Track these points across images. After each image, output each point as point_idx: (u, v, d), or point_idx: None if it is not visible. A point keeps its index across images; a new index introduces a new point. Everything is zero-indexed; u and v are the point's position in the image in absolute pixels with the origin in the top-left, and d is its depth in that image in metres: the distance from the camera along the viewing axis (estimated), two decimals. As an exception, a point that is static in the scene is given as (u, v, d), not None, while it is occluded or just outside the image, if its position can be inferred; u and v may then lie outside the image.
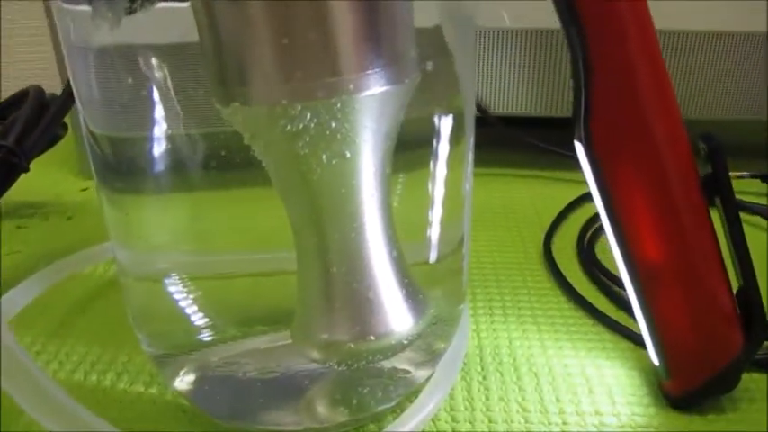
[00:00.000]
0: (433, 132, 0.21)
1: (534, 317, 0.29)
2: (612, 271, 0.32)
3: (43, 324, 0.29)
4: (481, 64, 0.43)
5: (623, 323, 0.28)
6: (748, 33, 0.41)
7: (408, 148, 0.19)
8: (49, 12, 0.41)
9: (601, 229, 0.36)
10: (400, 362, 0.23)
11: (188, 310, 0.22)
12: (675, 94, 0.20)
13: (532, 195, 0.43)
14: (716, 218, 0.21)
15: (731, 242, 0.21)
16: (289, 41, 0.14)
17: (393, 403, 0.23)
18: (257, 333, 0.23)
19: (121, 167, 0.20)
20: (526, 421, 0.23)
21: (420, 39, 0.17)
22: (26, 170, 0.35)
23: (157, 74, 0.19)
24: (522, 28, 0.42)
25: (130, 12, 0.17)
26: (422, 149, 0.21)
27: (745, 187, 0.38)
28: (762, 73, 0.42)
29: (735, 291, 0.22)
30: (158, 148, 0.20)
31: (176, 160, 0.20)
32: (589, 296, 0.30)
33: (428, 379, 0.23)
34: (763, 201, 0.39)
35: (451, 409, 0.23)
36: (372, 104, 0.16)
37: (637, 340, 0.27)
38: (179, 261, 0.22)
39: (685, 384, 0.23)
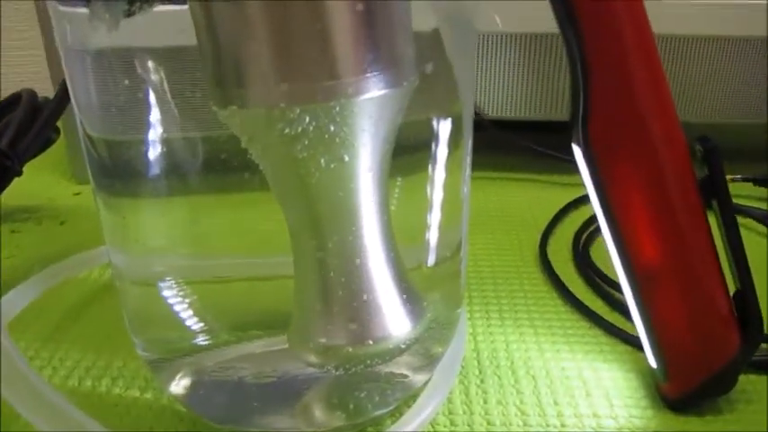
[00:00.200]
0: (432, 136, 0.21)
1: (531, 320, 0.29)
2: (608, 273, 0.32)
3: (37, 329, 0.29)
4: (475, 68, 0.43)
5: (619, 326, 0.28)
6: (747, 38, 0.41)
7: (407, 152, 0.19)
8: (42, 15, 0.41)
9: (596, 231, 0.36)
10: (398, 366, 0.23)
11: (184, 315, 0.22)
12: (672, 95, 0.20)
13: (528, 199, 0.43)
14: (712, 220, 0.21)
15: (728, 244, 0.21)
16: (287, 43, 0.14)
17: (390, 408, 0.23)
18: (253, 337, 0.22)
19: (118, 171, 0.20)
20: (524, 424, 0.23)
21: (418, 42, 0.17)
22: (19, 174, 0.35)
23: (154, 77, 0.18)
24: (515, 32, 0.42)
25: (129, 14, 0.17)
26: (420, 153, 0.21)
27: (737, 191, 0.38)
28: (761, 77, 0.43)
29: (731, 293, 0.22)
30: (155, 152, 0.20)
31: (173, 164, 0.20)
32: (585, 299, 0.30)
33: (425, 383, 0.23)
34: (754, 204, 0.39)
35: (450, 413, 0.23)
36: (371, 108, 0.16)
37: (633, 343, 0.27)
38: (175, 265, 0.22)
39: (682, 386, 0.23)
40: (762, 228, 0.37)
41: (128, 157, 0.20)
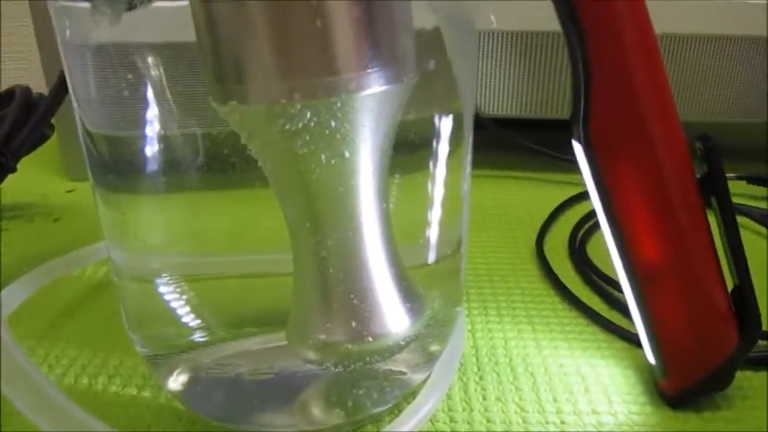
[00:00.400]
0: (433, 133, 0.21)
1: (529, 317, 0.29)
2: (604, 270, 0.32)
3: (32, 327, 0.28)
4: (476, 67, 0.43)
5: (617, 322, 0.28)
6: (747, 37, 0.42)
7: (407, 150, 0.19)
8: (36, 10, 0.41)
9: (592, 229, 0.36)
10: (396, 364, 0.23)
11: (182, 311, 0.22)
12: (673, 94, 0.20)
13: (525, 197, 0.43)
14: (711, 218, 0.22)
15: (727, 241, 0.21)
16: (287, 39, 0.14)
17: (389, 405, 0.23)
18: (251, 334, 0.22)
19: (117, 166, 0.20)
20: (524, 421, 0.23)
21: (419, 39, 0.17)
22: (13, 170, 0.35)
23: (154, 72, 0.18)
24: (512, 30, 0.42)
25: (130, 7, 0.16)
26: (421, 151, 0.21)
27: (732, 189, 0.38)
28: (761, 76, 0.43)
29: (729, 289, 0.22)
30: (155, 148, 0.20)
31: (173, 160, 0.20)
32: (582, 296, 0.30)
33: (424, 381, 0.23)
34: (751, 203, 0.39)
35: (449, 410, 0.23)
36: (372, 104, 0.15)
37: (631, 339, 0.27)
38: (174, 261, 0.22)
39: (680, 383, 0.23)
40: (759, 227, 0.38)
41: (127, 153, 0.20)
